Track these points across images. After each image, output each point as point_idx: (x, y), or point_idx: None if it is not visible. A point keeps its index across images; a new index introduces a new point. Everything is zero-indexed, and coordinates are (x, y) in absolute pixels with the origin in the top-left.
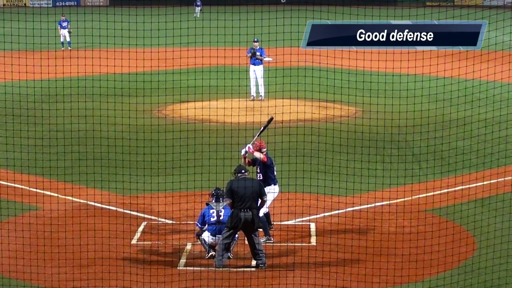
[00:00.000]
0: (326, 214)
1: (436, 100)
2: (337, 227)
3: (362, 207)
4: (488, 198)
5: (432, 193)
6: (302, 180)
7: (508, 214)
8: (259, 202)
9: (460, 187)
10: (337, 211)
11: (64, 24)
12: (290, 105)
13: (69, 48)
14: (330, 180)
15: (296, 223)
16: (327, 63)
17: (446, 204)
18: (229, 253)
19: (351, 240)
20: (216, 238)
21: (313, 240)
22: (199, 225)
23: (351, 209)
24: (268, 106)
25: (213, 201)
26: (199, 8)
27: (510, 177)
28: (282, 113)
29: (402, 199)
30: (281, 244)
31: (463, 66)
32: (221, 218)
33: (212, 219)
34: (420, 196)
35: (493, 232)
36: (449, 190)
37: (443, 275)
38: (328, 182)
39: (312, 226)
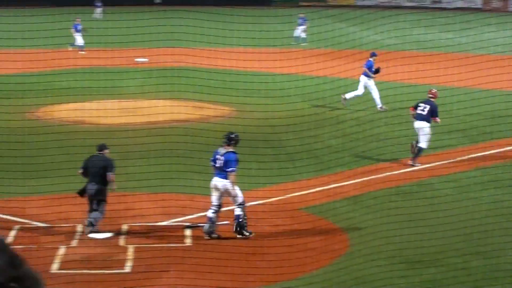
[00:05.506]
0: (201, 214)
1: (310, 99)
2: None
3: (233, 207)
4: (361, 196)
5: (306, 192)
6: (177, 181)
7: (380, 211)
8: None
9: (333, 185)
10: None
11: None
12: (165, 106)
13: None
14: (205, 180)
15: (171, 224)
16: (201, 64)
17: (319, 202)
18: None
19: (226, 240)
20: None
21: (188, 240)
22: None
23: (226, 208)
24: (142, 107)
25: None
26: (100, 9)
27: (381, 175)
28: (157, 113)
29: (277, 198)
30: (155, 245)
31: (336, 65)
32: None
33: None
34: (294, 194)
35: (365, 229)
36: (322, 188)
37: (317, 273)
38: (203, 182)
39: None
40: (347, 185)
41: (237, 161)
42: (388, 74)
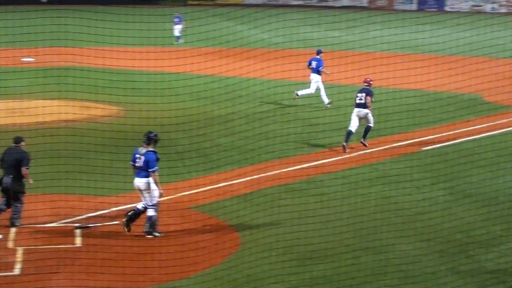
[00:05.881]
0: (90, 214)
1: (198, 98)
2: (102, 227)
3: (126, 206)
4: (251, 194)
5: (196, 190)
6: (66, 181)
7: (270, 209)
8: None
9: (223, 184)
10: (101, 211)
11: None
12: (53, 106)
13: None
14: (94, 180)
15: (60, 225)
16: (89, 63)
17: (209, 201)
18: None
19: (116, 240)
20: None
21: (78, 241)
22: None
23: (116, 208)
24: (30, 107)
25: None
26: None
27: (271, 172)
28: (44, 114)
29: (167, 197)
30: (45, 246)
31: (224, 64)
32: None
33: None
34: (184, 193)
35: (256, 227)
36: (212, 186)
37: (208, 271)
38: (92, 183)
39: None
40: (237, 183)
41: (157, 160)
42: (276, 72)
